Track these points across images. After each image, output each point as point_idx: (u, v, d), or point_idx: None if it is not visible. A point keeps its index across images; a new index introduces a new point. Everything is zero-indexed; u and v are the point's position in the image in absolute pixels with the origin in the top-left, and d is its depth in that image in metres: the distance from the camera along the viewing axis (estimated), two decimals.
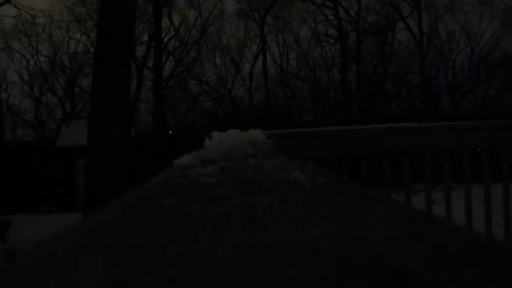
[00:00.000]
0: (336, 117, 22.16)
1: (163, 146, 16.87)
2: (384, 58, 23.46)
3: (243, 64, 24.68)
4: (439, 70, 24.14)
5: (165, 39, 22.70)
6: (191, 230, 0.40)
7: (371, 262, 0.30)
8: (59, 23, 22.92)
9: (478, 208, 2.63)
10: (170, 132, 21.62)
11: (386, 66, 23.66)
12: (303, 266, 0.30)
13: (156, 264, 0.31)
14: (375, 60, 23.64)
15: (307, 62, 24.61)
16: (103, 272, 0.30)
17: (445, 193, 2.58)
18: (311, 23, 24.39)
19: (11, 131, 23.09)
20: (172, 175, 0.77)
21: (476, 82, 23.54)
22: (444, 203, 2.55)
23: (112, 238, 0.39)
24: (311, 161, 1.36)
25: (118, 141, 6.63)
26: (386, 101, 23.89)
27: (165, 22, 22.41)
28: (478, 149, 2.65)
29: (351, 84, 23.17)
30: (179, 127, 23.22)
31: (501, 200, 2.60)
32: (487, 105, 23.22)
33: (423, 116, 19.09)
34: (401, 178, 2.57)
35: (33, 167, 15.97)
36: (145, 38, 22.48)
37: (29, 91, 23.48)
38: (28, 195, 15.44)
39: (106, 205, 0.53)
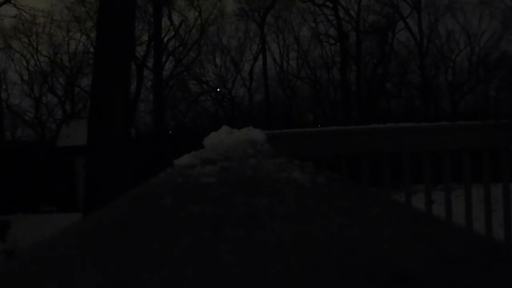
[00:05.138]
0: (336, 117, 22.16)
1: (163, 146, 16.87)
2: (384, 58, 23.45)
3: (243, 64, 24.70)
4: (439, 70, 24.13)
5: (165, 39, 22.71)
6: (191, 230, 0.40)
7: (371, 262, 0.30)
8: (59, 23, 22.94)
9: (478, 208, 2.63)
10: (170, 132, 21.62)
11: (386, 66, 23.65)
12: (303, 266, 0.30)
13: (156, 264, 0.31)
14: (375, 60, 23.64)
15: (307, 62, 24.63)
16: (103, 272, 0.30)
17: (445, 193, 2.58)
18: (311, 23, 24.41)
19: (11, 131, 23.09)
20: (172, 175, 0.77)
21: (476, 82, 23.53)
22: (444, 203, 2.55)
23: (112, 238, 0.39)
24: (311, 161, 1.36)
25: (118, 141, 6.63)
26: (386, 101, 23.88)
27: (165, 22, 22.43)
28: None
29: (351, 84, 23.17)
30: (179, 127, 23.21)
31: (501, 200, 2.60)
32: (487, 105, 23.21)
33: (423, 116, 19.13)
34: (401, 178, 2.57)
35: (33, 167, 15.96)
36: (145, 38, 22.51)
37: (29, 91, 23.49)
38: (28, 195, 15.43)
39: (106, 205, 0.53)
